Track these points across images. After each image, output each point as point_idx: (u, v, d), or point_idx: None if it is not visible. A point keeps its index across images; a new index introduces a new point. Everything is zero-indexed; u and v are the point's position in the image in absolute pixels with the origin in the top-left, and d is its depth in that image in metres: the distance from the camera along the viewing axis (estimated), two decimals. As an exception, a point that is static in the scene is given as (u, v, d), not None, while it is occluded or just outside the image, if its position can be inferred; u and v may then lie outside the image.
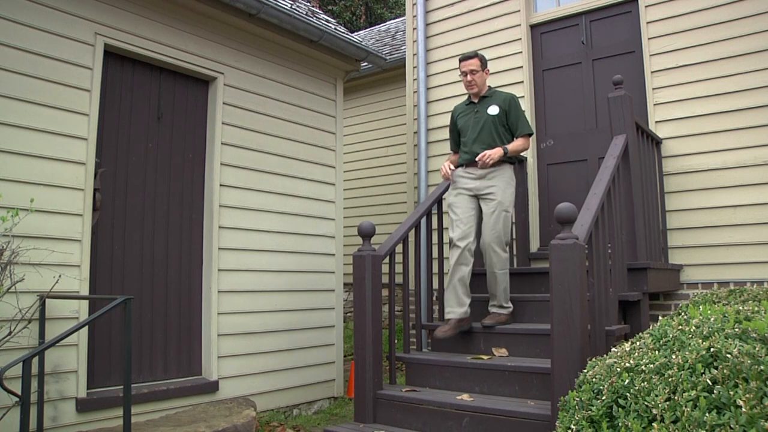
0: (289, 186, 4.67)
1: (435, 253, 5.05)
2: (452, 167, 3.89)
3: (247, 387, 4.18)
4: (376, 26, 11.83)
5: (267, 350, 4.37)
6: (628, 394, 1.70)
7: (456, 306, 3.69)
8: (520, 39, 5.29)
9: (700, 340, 1.75)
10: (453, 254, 3.73)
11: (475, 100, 3.96)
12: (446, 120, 5.64)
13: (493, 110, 3.84)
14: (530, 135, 3.87)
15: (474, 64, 3.88)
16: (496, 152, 3.69)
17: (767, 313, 1.92)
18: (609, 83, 4.53)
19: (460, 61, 3.93)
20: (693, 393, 1.54)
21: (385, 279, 3.77)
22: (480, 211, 3.80)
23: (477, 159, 3.70)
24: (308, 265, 4.77)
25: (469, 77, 3.88)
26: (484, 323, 3.70)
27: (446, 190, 4.25)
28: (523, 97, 5.22)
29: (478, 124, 3.85)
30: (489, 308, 3.80)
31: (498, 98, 3.90)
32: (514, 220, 4.74)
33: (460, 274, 3.70)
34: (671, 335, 1.89)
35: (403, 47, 7.67)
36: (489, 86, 4.00)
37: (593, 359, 2.12)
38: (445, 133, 5.58)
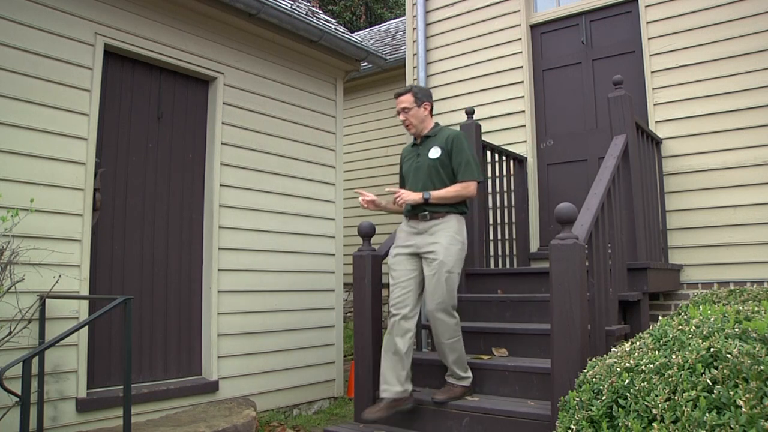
0: (289, 186, 4.67)
1: (435, 253, 5.04)
2: (370, 197, 3.36)
3: (247, 387, 4.18)
4: (376, 26, 11.83)
5: (267, 350, 4.37)
6: (628, 394, 1.70)
7: (393, 383, 3.14)
8: (520, 39, 5.29)
9: (700, 340, 1.75)
10: (389, 323, 3.23)
11: (418, 141, 3.39)
12: (446, 120, 5.64)
13: (434, 153, 3.27)
14: (472, 181, 3.22)
15: (406, 101, 3.31)
16: (415, 196, 3.17)
17: (767, 313, 1.92)
18: (609, 83, 4.52)
19: (394, 97, 3.40)
20: (693, 393, 1.54)
21: (385, 279, 3.76)
22: (420, 274, 3.25)
23: (394, 198, 3.21)
24: (308, 265, 4.77)
25: (402, 116, 3.33)
26: (435, 399, 3.19)
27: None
28: (523, 97, 5.23)
29: (419, 169, 3.30)
30: (446, 377, 3.33)
31: (441, 138, 3.30)
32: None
33: (395, 347, 3.14)
34: (671, 335, 1.89)
35: (403, 47, 7.67)
36: (436, 123, 3.43)
37: (593, 359, 2.12)
38: (445, 133, 5.59)
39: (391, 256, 3.36)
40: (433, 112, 3.50)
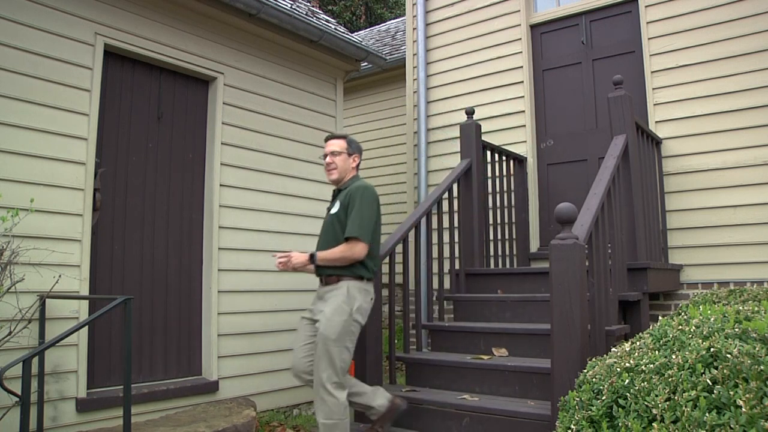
0: (289, 186, 4.67)
1: (435, 253, 5.05)
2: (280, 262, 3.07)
3: (247, 387, 4.17)
4: (376, 26, 11.83)
5: (267, 350, 4.36)
6: (628, 394, 1.70)
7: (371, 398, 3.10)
8: (520, 39, 5.29)
9: (700, 340, 1.75)
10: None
11: (336, 192, 3.19)
12: (446, 120, 5.66)
13: (335, 208, 3.07)
14: (358, 240, 2.91)
15: (338, 145, 3.13)
16: (302, 258, 2.96)
17: (767, 313, 1.92)
18: (609, 83, 4.53)
19: (325, 140, 3.23)
20: (693, 393, 1.54)
21: (385, 279, 3.77)
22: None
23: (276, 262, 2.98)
24: (308, 265, 4.76)
25: (328, 158, 3.11)
26: None
27: (447, 190, 4.25)
28: (523, 97, 5.23)
29: (326, 227, 3.11)
30: None
31: (346, 193, 3.05)
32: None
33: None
34: (671, 335, 1.89)
35: (403, 47, 7.67)
36: (356, 175, 3.20)
37: (593, 359, 2.12)
38: (446, 133, 5.61)
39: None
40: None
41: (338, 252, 2.93)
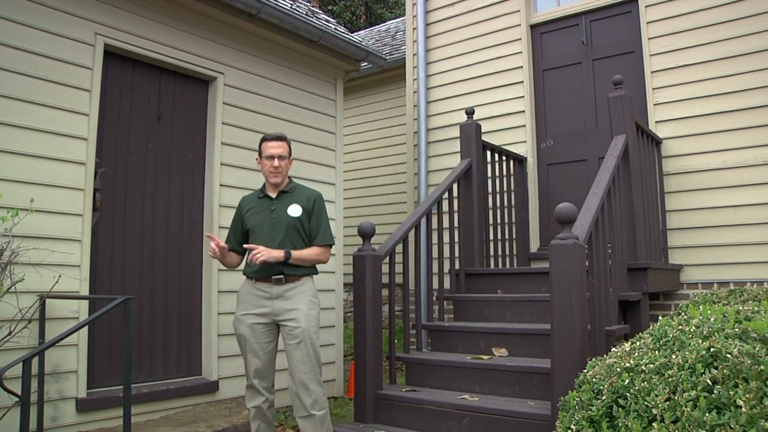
0: (289, 186, 4.67)
1: (435, 253, 5.05)
2: (221, 244, 3.03)
3: (247, 387, 4.17)
4: (376, 26, 11.83)
5: (267, 350, 4.36)
6: (628, 394, 1.70)
7: None
8: (520, 39, 5.29)
9: (700, 340, 1.75)
10: (250, 410, 3.07)
11: (272, 194, 3.14)
12: (446, 120, 5.65)
13: (295, 211, 3.09)
14: (330, 246, 3.15)
15: (284, 148, 3.12)
16: (277, 254, 2.93)
17: (767, 313, 1.92)
18: (609, 83, 4.53)
19: (266, 140, 3.14)
20: (693, 393, 1.54)
21: (385, 279, 3.77)
22: (277, 342, 3.07)
23: (252, 255, 2.92)
24: (308, 265, 4.76)
25: (277, 162, 3.07)
26: None
27: (447, 190, 4.25)
28: (523, 97, 5.23)
29: (276, 227, 3.05)
30: None
31: (301, 196, 3.14)
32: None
33: (266, 417, 3.05)
34: (671, 335, 1.89)
35: (403, 47, 7.68)
36: (290, 178, 3.23)
37: (593, 359, 2.12)
38: (446, 133, 5.60)
39: (240, 321, 3.03)
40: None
41: (314, 254, 3.07)
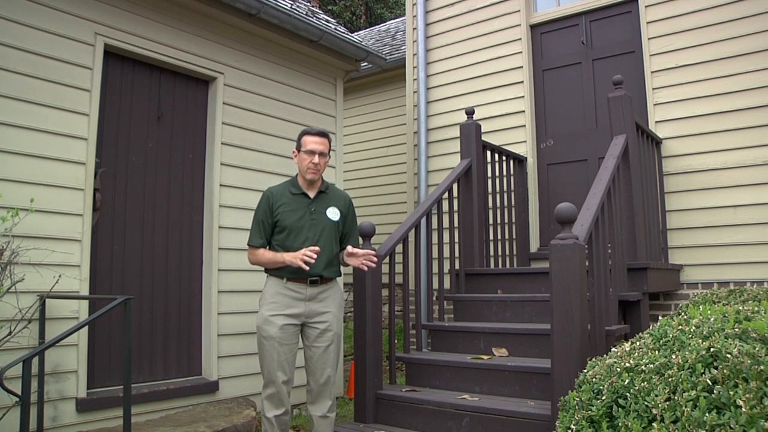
0: (289, 186, 4.67)
1: (435, 253, 5.05)
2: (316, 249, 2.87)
3: (247, 387, 4.17)
4: (376, 26, 11.83)
5: (267, 350, 4.36)
6: (628, 394, 1.70)
7: None
8: (520, 39, 5.29)
9: (700, 340, 1.75)
10: (268, 393, 2.94)
11: (309, 193, 3.08)
12: (446, 120, 5.65)
13: (334, 214, 3.08)
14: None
15: (326, 145, 3.06)
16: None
17: (767, 313, 1.92)
18: (609, 83, 4.53)
19: (308, 134, 3.06)
20: (693, 393, 1.54)
21: (385, 279, 3.77)
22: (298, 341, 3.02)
23: (358, 257, 2.95)
24: (308, 265, 4.76)
25: (317, 159, 3.00)
26: None
27: (447, 190, 4.25)
28: (523, 97, 5.23)
29: (316, 227, 3.01)
30: None
31: (337, 199, 3.15)
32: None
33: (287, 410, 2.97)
34: (671, 335, 1.89)
35: (403, 47, 7.67)
36: (321, 176, 3.15)
37: (593, 359, 2.12)
38: (446, 133, 5.60)
39: (270, 322, 2.92)
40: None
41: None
